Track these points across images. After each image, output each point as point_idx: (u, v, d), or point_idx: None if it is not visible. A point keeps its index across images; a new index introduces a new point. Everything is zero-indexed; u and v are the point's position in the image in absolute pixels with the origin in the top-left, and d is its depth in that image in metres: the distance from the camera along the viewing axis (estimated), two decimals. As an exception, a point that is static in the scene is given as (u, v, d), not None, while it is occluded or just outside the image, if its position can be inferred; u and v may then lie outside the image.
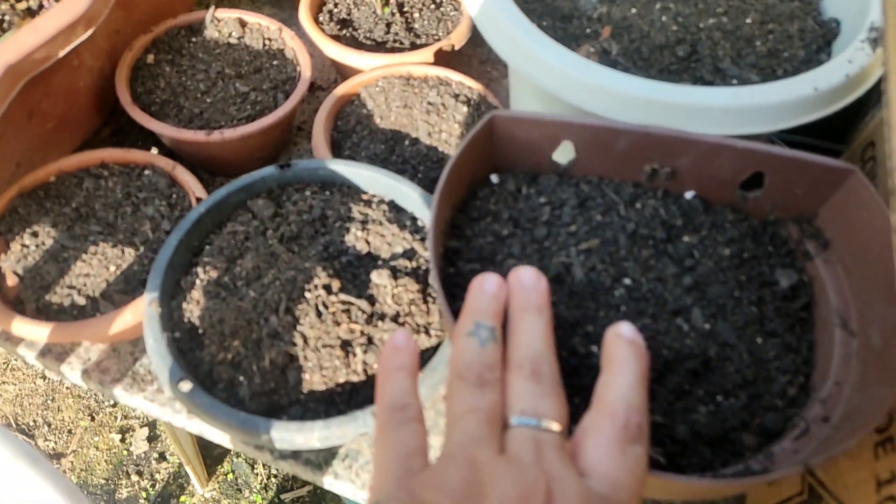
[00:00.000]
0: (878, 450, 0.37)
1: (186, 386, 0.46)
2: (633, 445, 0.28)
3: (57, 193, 0.59)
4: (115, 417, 1.48)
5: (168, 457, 1.44)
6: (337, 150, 0.64)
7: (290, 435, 0.44)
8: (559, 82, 0.46)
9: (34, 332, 0.52)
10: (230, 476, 1.41)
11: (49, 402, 1.51)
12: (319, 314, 0.48)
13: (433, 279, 0.38)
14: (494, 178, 0.48)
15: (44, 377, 1.53)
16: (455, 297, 0.41)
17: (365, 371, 0.48)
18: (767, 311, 0.42)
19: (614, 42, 0.52)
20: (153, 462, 1.44)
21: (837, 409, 0.38)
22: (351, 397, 0.47)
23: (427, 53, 0.69)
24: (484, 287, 0.35)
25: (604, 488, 0.27)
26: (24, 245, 0.56)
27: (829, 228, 0.44)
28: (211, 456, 1.41)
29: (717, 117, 0.43)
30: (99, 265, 0.56)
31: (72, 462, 1.43)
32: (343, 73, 0.73)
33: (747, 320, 0.41)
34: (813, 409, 0.39)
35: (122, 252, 0.56)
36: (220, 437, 0.56)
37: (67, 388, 1.51)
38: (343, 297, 0.49)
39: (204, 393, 0.46)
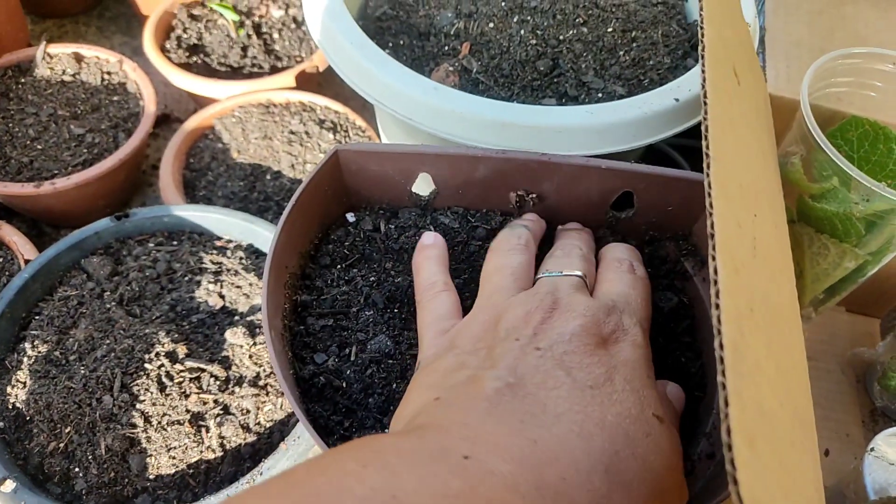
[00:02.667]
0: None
1: (9, 486, 0.40)
2: (630, 274, 0.34)
3: None
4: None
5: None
6: (191, 191, 0.58)
7: (132, 534, 0.39)
8: (410, 108, 0.42)
9: None
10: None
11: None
12: (163, 387, 0.42)
13: (267, 343, 0.33)
14: (351, 217, 0.43)
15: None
16: (304, 359, 0.36)
17: (222, 446, 0.42)
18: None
19: (474, 59, 0.48)
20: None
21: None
22: (207, 478, 0.42)
23: (288, 77, 0.64)
24: (515, 221, 0.39)
25: (611, 297, 0.31)
26: None
27: (706, 244, 0.42)
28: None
29: (578, 137, 0.40)
30: (-89, 349, 0.48)
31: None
32: (200, 103, 0.67)
33: None
34: (699, 444, 0.36)
35: (-61, 331, 0.49)
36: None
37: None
38: (191, 363, 0.43)
39: (31, 492, 0.40)
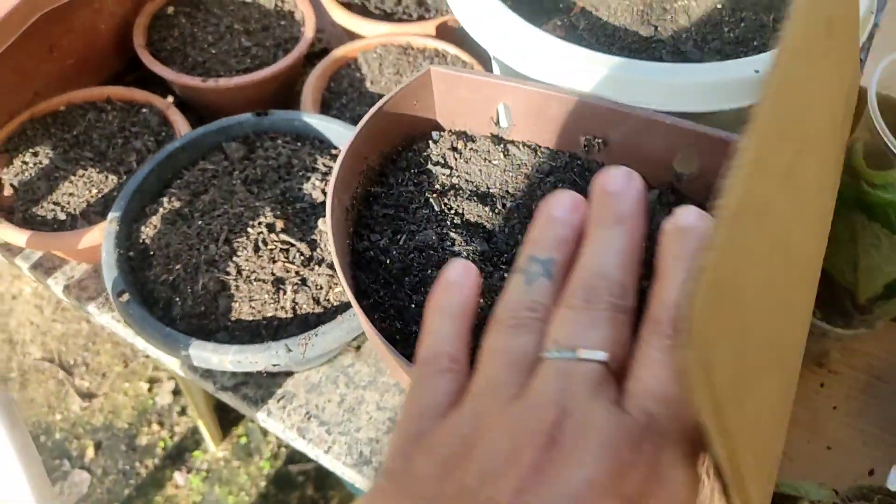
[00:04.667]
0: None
1: (125, 297, 0.49)
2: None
3: (63, 121, 0.64)
4: (147, 368, 1.56)
5: (189, 412, 1.50)
6: (326, 109, 0.66)
7: (207, 354, 0.47)
8: (503, 47, 0.46)
9: (14, 237, 0.56)
10: (244, 440, 1.46)
11: (90, 344, 1.60)
12: (257, 249, 0.50)
13: (327, 207, 0.39)
14: (435, 136, 0.49)
15: (87, 321, 1.62)
16: (362, 237, 0.43)
17: (294, 309, 0.49)
18: None
19: (583, 18, 0.52)
20: (175, 415, 1.50)
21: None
22: (276, 332, 0.49)
23: (429, 26, 0.71)
24: (549, 210, 0.27)
25: (649, 405, 0.21)
26: (24, 162, 0.61)
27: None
28: (228, 418, 1.46)
29: (651, 91, 0.43)
30: (84, 187, 0.60)
31: (102, 403, 1.51)
32: (353, 39, 0.76)
33: None
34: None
35: (107, 178, 0.60)
36: (170, 360, 0.59)
37: (108, 333, 1.60)
38: (284, 237, 0.51)
39: (139, 306, 0.49)
